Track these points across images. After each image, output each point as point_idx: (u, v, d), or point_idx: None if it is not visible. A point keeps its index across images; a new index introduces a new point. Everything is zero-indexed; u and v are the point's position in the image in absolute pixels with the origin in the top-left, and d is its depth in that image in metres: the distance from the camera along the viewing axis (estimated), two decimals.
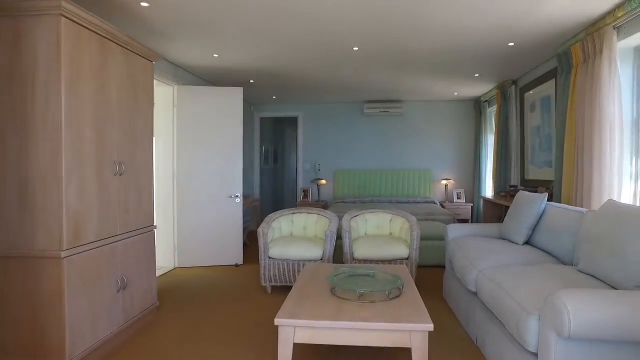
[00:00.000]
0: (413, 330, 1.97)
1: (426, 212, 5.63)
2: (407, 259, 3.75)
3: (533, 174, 5.00)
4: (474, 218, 6.98)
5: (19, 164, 2.14)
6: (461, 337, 2.82)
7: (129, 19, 3.28)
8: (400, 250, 3.73)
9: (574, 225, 2.69)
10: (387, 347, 2.58)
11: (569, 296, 1.61)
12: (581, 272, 2.28)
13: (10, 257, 2.16)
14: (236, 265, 4.90)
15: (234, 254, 4.93)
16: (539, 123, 4.79)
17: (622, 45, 3.32)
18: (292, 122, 10.05)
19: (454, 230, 3.57)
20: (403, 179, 7.49)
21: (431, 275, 4.40)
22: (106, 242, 2.50)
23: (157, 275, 4.30)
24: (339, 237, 4.54)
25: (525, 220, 3.10)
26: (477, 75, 5.30)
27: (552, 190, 4.28)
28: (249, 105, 7.75)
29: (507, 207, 5.18)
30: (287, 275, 3.74)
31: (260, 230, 3.78)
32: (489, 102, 6.68)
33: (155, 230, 3.14)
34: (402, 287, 2.42)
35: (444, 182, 7.34)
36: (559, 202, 3.90)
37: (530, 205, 3.10)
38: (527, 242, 3.15)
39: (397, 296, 2.32)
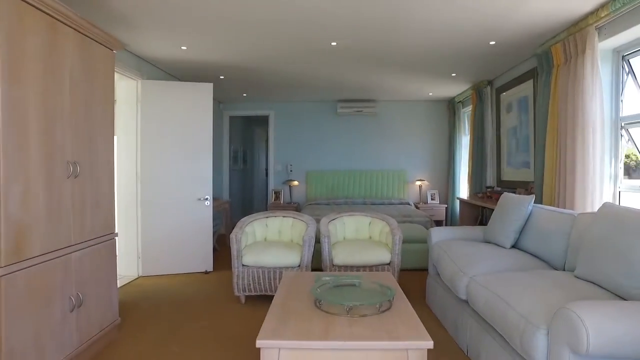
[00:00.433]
0: (411, 348, 1.79)
1: (403, 214, 5.52)
2: (389, 264, 3.59)
3: (509, 175, 4.98)
4: (449, 219, 6.96)
5: None
6: (451, 348, 2.68)
7: (86, 2, 2.93)
8: (382, 256, 3.56)
9: (564, 228, 2.61)
10: None
11: (585, 310, 1.47)
12: (579, 278, 2.18)
13: None
14: (206, 272, 4.59)
15: (204, 261, 4.61)
16: (516, 124, 4.77)
17: (601, 47, 3.29)
18: (262, 121, 9.75)
19: (438, 234, 3.44)
20: (377, 180, 7.38)
21: (412, 279, 4.26)
22: (57, 254, 2.17)
23: (118, 286, 3.94)
24: (316, 241, 4.33)
25: (512, 223, 3.01)
26: (454, 75, 5.24)
27: (531, 191, 4.25)
28: (218, 103, 7.41)
29: (484, 209, 5.15)
30: (262, 283, 3.49)
31: (233, 236, 3.51)
32: (463, 103, 6.68)
33: (116, 238, 2.82)
34: (393, 299, 2.23)
35: (418, 183, 7.28)
36: (540, 203, 3.86)
37: (517, 207, 3.01)
38: (514, 246, 3.06)
39: (388, 309, 2.13)
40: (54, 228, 2.16)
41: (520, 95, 4.63)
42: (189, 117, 4.53)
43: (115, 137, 2.85)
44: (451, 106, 6.99)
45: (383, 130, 7.46)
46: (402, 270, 4.61)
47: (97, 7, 3.02)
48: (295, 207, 7.14)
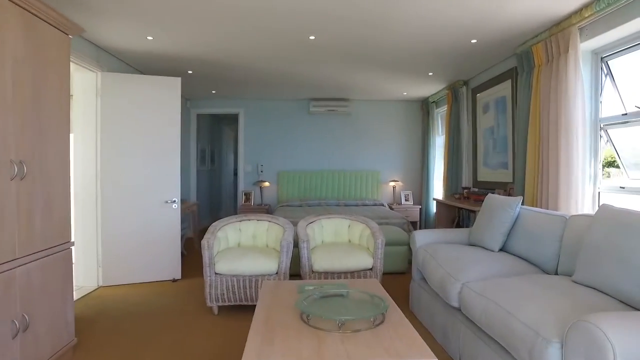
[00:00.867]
0: None
1: (379, 216, 5.40)
2: (371, 269, 3.43)
3: (486, 175, 4.96)
4: (423, 221, 6.92)
5: None
6: (441, 357, 2.54)
7: None
8: (364, 261, 3.40)
9: (555, 231, 2.53)
10: None
11: (608, 323, 1.35)
12: (577, 283, 2.09)
13: None
14: (174, 280, 4.27)
15: (171, 268, 4.29)
16: (493, 124, 4.75)
17: (581, 48, 3.27)
18: (231, 120, 9.43)
19: (422, 237, 3.32)
20: (351, 181, 7.25)
21: (392, 284, 4.13)
22: None
23: (76, 299, 3.57)
24: (294, 245, 4.12)
25: (500, 226, 2.92)
26: (431, 74, 5.17)
27: (510, 192, 4.22)
28: (185, 100, 7.04)
29: (460, 210, 5.11)
30: (237, 293, 3.24)
31: (204, 242, 3.23)
32: (437, 103, 6.66)
33: (73, 247, 2.49)
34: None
35: (392, 184, 7.21)
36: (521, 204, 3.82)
37: (504, 209, 2.93)
38: (501, 249, 2.97)
39: (382, 322, 1.96)
40: None
41: (498, 95, 4.61)
42: (155, 114, 4.20)
43: (71, 134, 2.52)
44: (425, 106, 6.96)
45: (357, 130, 7.33)
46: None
47: None
48: (266, 209, 6.89)
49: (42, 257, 2.17)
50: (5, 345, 1.90)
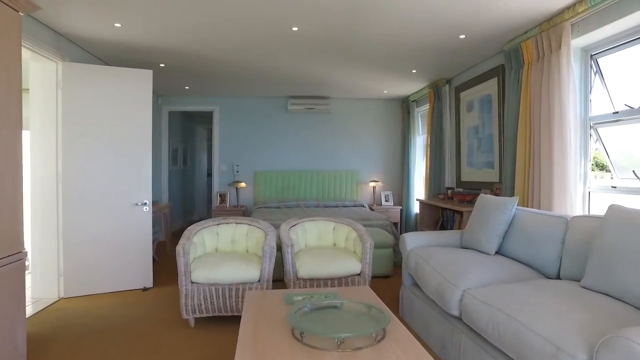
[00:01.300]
0: None
1: (361, 217, 5.23)
2: (359, 274, 3.24)
3: (470, 175, 4.87)
4: (403, 222, 6.81)
5: None
6: None
7: None
8: (351, 266, 3.20)
9: (556, 233, 2.42)
10: None
11: None
12: (588, 289, 1.96)
13: None
14: (145, 289, 3.95)
15: (142, 275, 3.96)
16: (478, 123, 4.67)
17: (571, 45, 3.21)
18: (205, 118, 9.06)
19: (413, 240, 3.16)
20: (329, 181, 7.06)
21: (378, 288, 3.96)
22: None
23: (33, 312, 3.22)
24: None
25: (496, 228, 2.79)
26: (415, 71, 5.05)
27: (496, 192, 4.13)
28: (157, 97, 6.66)
29: (444, 210, 5.01)
30: (215, 303, 2.98)
31: (179, 248, 2.95)
32: (418, 102, 6.56)
33: (26, 257, 2.17)
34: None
35: (372, 184, 7.06)
36: None
37: (499, 210, 2.80)
38: (497, 252, 2.85)
39: (384, 337, 1.76)
40: None
41: (483, 93, 4.52)
42: (125, 109, 3.87)
43: (28, 130, 2.21)
44: (405, 105, 6.86)
45: (336, 129, 7.15)
46: None
47: None
48: (242, 211, 6.60)
49: None
50: None
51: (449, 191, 4.93)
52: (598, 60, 3.30)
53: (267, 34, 3.67)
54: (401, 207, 6.84)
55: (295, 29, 3.53)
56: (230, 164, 7.05)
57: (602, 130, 3.30)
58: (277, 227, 4.72)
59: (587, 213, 3.30)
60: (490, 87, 4.35)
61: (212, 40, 3.85)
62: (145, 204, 3.96)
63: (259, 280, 3.04)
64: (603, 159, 3.41)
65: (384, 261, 4.38)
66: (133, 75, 3.90)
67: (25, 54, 3.22)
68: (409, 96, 6.72)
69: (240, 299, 3.00)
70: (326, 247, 3.62)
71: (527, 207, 3.42)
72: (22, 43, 2.66)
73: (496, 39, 3.78)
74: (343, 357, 1.58)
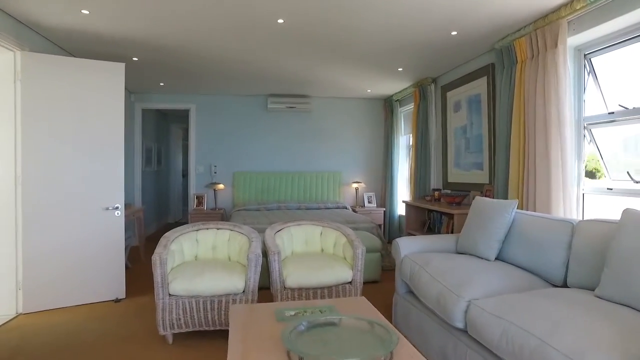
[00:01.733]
0: None
1: (346, 220, 5.06)
2: (350, 282, 3.05)
3: (457, 177, 4.78)
4: (387, 224, 6.68)
5: None
6: None
7: None
8: (342, 273, 3.01)
9: (561, 237, 2.30)
10: None
11: None
12: (604, 299, 1.84)
13: None
14: (117, 300, 3.64)
15: (114, 286, 3.65)
16: (466, 123, 4.57)
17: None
18: (180, 116, 8.71)
19: (406, 245, 2.99)
20: (311, 182, 6.86)
21: (367, 295, 3.78)
22: None
23: None
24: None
25: (495, 232, 2.66)
26: (401, 69, 4.92)
27: (486, 194, 4.04)
28: (129, 93, 6.30)
29: (431, 212, 4.90)
30: (196, 317, 2.73)
31: (156, 257, 2.69)
32: (401, 102, 6.45)
33: None
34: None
35: (354, 185, 6.91)
36: None
37: (499, 214, 2.67)
38: (497, 257, 2.72)
39: (391, 359, 1.58)
40: None
41: (471, 93, 4.43)
42: (94, 105, 3.55)
43: None
44: (388, 105, 6.73)
45: (317, 129, 6.96)
46: None
47: None
48: (221, 214, 6.32)
49: None
50: None
51: (436, 192, 4.82)
52: (592, 59, 3.23)
53: (251, 26, 3.44)
54: (384, 209, 6.71)
55: (280, 21, 3.31)
56: (207, 165, 6.75)
57: (595, 131, 3.23)
58: (260, 231, 4.49)
59: (581, 216, 3.23)
60: (480, 86, 4.25)
61: (191, 32, 3.58)
62: (117, 208, 3.65)
63: (243, 291, 2.81)
64: (592, 164, 3.36)
65: (372, 266, 4.22)
66: (103, 69, 3.59)
67: None
68: (392, 96, 6.60)
69: (223, 312, 2.76)
70: (314, 253, 3.42)
71: (522, 209, 3.32)
72: None
73: (488, 37, 3.68)
74: None
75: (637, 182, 2.86)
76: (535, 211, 3.15)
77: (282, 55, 4.29)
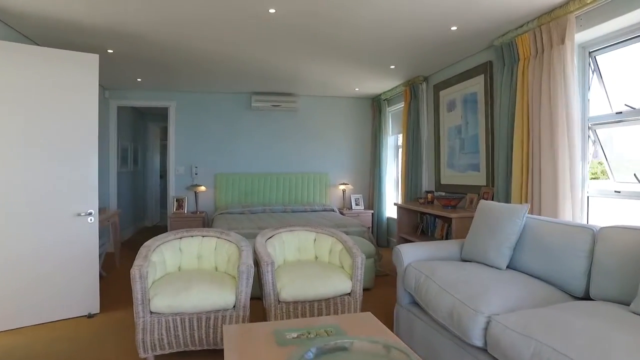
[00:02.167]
0: None
1: (336, 224, 4.83)
2: (349, 294, 2.83)
3: (451, 178, 4.63)
4: (375, 227, 6.49)
5: None
6: None
7: None
8: (341, 284, 2.78)
9: (580, 245, 2.15)
10: None
11: None
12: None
13: None
14: (89, 316, 3.31)
15: (87, 299, 3.33)
16: (460, 123, 4.43)
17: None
18: (158, 115, 8.32)
19: (410, 253, 2.80)
20: (297, 184, 6.62)
21: (362, 304, 3.57)
22: None
23: None
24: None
25: (506, 239, 2.49)
26: (393, 67, 4.74)
27: (484, 196, 3.89)
28: (103, 89, 5.91)
29: (424, 215, 4.74)
30: (181, 336, 2.46)
31: (135, 271, 2.39)
32: (389, 101, 6.29)
33: None
34: None
35: (342, 187, 6.70)
36: None
37: (510, 219, 2.51)
38: (508, 266, 2.55)
39: None
40: None
41: (467, 92, 4.28)
42: (64, 101, 3.21)
43: None
44: (376, 104, 6.56)
45: (303, 128, 6.73)
46: None
47: None
48: (202, 217, 6.00)
49: None
50: None
51: (429, 195, 4.66)
52: (596, 57, 3.12)
53: (239, 15, 3.18)
54: (372, 212, 6.53)
55: (272, 10, 3.06)
56: (187, 166, 6.42)
57: (600, 131, 3.12)
58: (246, 237, 4.22)
59: (587, 219, 3.11)
60: (476, 84, 4.11)
61: (171, 22, 3.29)
62: (90, 214, 3.33)
63: (234, 307, 2.55)
64: (594, 166, 3.26)
65: (366, 273, 4.02)
66: (75, 60, 3.26)
67: None
68: (380, 95, 6.42)
69: (211, 330, 2.49)
70: (308, 261, 3.18)
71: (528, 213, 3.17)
72: None
73: (487, 33, 3.53)
74: None
75: None
76: (540, 215, 3.01)
77: (270, 49, 4.04)
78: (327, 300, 2.76)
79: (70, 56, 3.24)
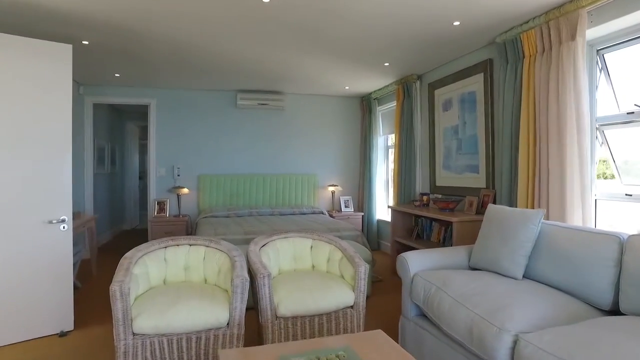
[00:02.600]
0: None
1: (328, 228, 4.62)
2: (352, 307, 2.62)
3: (447, 180, 4.48)
4: (366, 230, 6.31)
5: None
6: None
7: None
8: (343, 296, 2.57)
9: (606, 254, 2.00)
10: None
11: None
12: None
13: None
14: (62, 334, 3.00)
15: (59, 315, 3.01)
16: (457, 123, 4.28)
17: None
18: (137, 113, 7.94)
19: (416, 261, 2.61)
20: (284, 186, 6.38)
21: None
22: None
23: None
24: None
25: (520, 247, 2.33)
26: (387, 64, 4.55)
27: (483, 199, 3.75)
28: (78, 85, 5.53)
29: (418, 218, 4.58)
30: (168, 359, 2.20)
31: (116, 288, 2.12)
32: (380, 100, 6.12)
33: None
34: None
35: (331, 188, 6.49)
36: None
37: (525, 225, 2.34)
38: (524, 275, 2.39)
39: None
40: None
41: (464, 91, 4.14)
42: (33, 96, 2.90)
43: None
44: (366, 103, 6.37)
45: (291, 128, 6.49)
46: None
47: None
48: (185, 221, 5.69)
49: None
50: None
51: (424, 197, 4.50)
52: (604, 55, 3.00)
53: (229, 5, 2.93)
54: (363, 214, 6.34)
55: (266, 0, 2.83)
56: (169, 167, 6.09)
57: (608, 132, 3.01)
58: (236, 243, 3.96)
59: (595, 223, 2.99)
60: (475, 83, 3.96)
61: (154, 12, 3.02)
62: (63, 220, 3.02)
63: (227, 324, 2.30)
64: (601, 168, 3.15)
65: None
66: (45, 50, 2.94)
67: None
68: (370, 93, 6.25)
69: (202, 351, 2.24)
70: (305, 271, 2.96)
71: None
72: None
73: (490, 29, 3.38)
74: None
75: None
76: (548, 219, 2.88)
77: (259, 44, 3.79)
78: (328, 314, 2.54)
79: (40, 46, 2.92)
